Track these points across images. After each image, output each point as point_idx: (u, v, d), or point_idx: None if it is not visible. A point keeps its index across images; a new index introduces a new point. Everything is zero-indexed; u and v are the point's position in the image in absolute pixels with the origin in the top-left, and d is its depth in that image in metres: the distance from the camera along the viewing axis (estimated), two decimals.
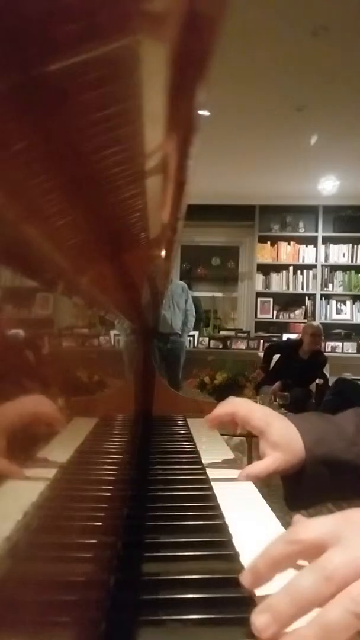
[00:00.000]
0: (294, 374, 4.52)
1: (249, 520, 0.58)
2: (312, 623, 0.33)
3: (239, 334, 6.07)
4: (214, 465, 0.79)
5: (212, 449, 0.91)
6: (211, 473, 0.74)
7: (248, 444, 3.22)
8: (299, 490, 0.70)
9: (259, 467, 0.70)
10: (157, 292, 1.07)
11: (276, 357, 4.86)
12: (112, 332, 0.96)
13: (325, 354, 5.53)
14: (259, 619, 0.34)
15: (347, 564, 0.34)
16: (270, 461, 0.69)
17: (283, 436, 0.70)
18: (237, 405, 0.76)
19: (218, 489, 0.66)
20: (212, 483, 0.69)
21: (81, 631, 0.33)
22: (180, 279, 5.58)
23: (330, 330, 5.96)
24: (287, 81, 3.47)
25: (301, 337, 4.80)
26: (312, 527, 0.38)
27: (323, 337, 4.94)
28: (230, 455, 0.86)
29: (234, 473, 0.74)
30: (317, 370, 4.78)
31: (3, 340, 0.35)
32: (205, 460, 0.81)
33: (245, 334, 6.05)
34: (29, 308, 0.43)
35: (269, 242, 6.16)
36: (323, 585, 0.33)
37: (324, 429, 0.72)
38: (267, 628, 0.33)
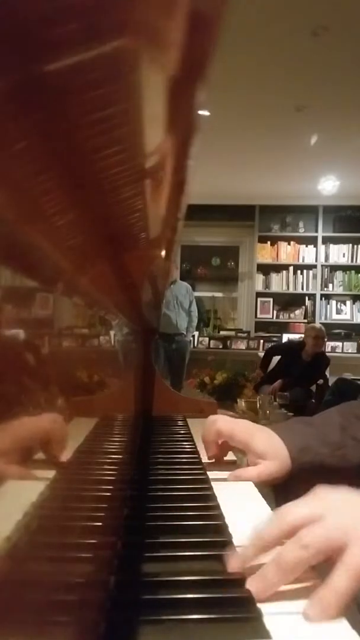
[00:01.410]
0: (296, 375, 4.51)
1: (249, 522, 0.58)
2: (270, 562, 0.41)
3: (239, 334, 6.07)
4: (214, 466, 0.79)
5: None
6: (211, 474, 0.74)
7: None
8: (287, 496, 0.71)
9: (251, 472, 0.71)
10: (157, 292, 1.07)
11: (276, 358, 4.85)
12: (112, 332, 0.96)
13: (326, 354, 5.54)
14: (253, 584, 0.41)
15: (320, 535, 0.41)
16: (262, 468, 0.71)
17: (269, 446, 0.72)
18: (217, 422, 0.76)
19: (218, 489, 0.66)
20: (212, 483, 0.69)
21: (81, 631, 0.33)
22: (180, 279, 5.59)
23: (330, 330, 5.95)
24: (287, 81, 3.47)
25: (303, 339, 4.79)
26: (296, 511, 0.44)
27: (326, 339, 4.94)
28: (230, 455, 0.86)
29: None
30: (319, 372, 4.78)
31: (3, 340, 0.35)
32: (205, 460, 0.81)
33: (245, 334, 6.05)
34: (29, 308, 0.43)
35: (269, 242, 6.16)
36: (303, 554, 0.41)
37: (308, 436, 0.73)
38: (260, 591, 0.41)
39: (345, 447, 0.72)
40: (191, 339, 5.50)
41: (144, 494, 0.64)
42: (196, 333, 5.91)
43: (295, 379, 4.48)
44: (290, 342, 5.33)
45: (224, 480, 0.72)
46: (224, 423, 0.76)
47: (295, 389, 4.44)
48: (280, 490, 0.73)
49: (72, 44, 0.17)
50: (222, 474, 0.74)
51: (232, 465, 0.80)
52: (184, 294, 5.07)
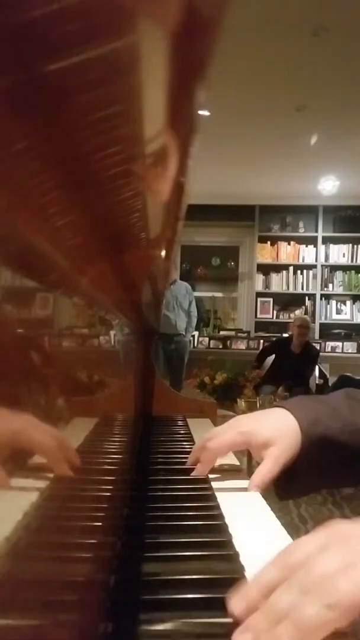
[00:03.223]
0: (290, 369, 4.57)
1: (248, 521, 0.58)
2: (287, 622, 0.32)
3: (239, 334, 6.07)
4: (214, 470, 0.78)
5: None
6: (215, 484, 0.73)
7: None
8: (292, 476, 0.66)
9: (262, 472, 0.64)
10: (157, 292, 1.07)
11: (271, 358, 4.91)
12: (112, 332, 0.96)
13: (325, 354, 5.56)
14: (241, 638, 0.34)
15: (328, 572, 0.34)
16: (270, 462, 0.64)
17: (272, 428, 0.66)
18: (207, 440, 0.69)
19: (222, 501, 0.65)
20: (217, 494, 0.68)
21: (81, 631, 0.33)
22: (180, 279, 5.59)
23: (330, 330, 5.95)
24: (287, 81, 3.47)
25: (291, 333, 4.87)
26: (301, 548, 0.38)
27: (310, 328, 5.03)
28: (230, 455, 0.85)
29: (237, 482, 0.72)
30: (311, 364, 4.85)
31: (3, 340, 0.35)
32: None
33: (245, 334, 6.05)
34: (29, 308, 0.43)
35: (269, 242, 6.15)
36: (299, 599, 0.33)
37: (318, 410, 0.68)
38: None
39: (355, 424, 0.67)
40: (190, 339, 5.50)
41: (144, 494, 0.64)
42: (196, 333, 5.91)
43: (290, 373, 4.53)
44: (278, 338, 5.37)
45: (225, 480, 0.71)
46: (215, 441, 0.68)
47: (296, 389, 4.47)
48: (283, 470, 0.65)
49: (72, 44, 0.17)
50: (226, 483, 0.70)
51: (236, 473, 0.75)
52: (184, 295, 5.07)
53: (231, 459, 0.79)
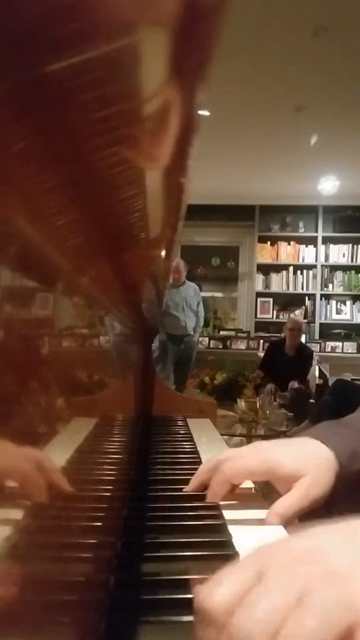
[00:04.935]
0: (285, 371, 4.62)
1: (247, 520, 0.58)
2: None
3: (239, 334, 6.07)
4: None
5: (212, 449, 0.91)
6: (227, 514, 0.66)
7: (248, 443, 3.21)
8: (328, 515, 0.56)
9: (288, 502, 0.54)
10: (157, 292, 1.07)
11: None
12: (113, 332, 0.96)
13: (325, 354, 5.57)
14: None
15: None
16: (299, 493, 0.54)
17: (302, 461, 0.56)
18: (223, 467, 0.58)
19: (238, 535, 0.58)
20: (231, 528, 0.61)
21: (81, 631, 0.33)
22: None
23: (330, 330, 5.96)
24: (287, 81, 3.47)
25: (284, 335, 4.96)
26: (220, 590, 0.29)
27: (302, 330, 5.08)
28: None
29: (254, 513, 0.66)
30: (306, 364, 4.90)
31: (3, 341, 0.35)
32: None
33: (245, 334, 6.05)
34: (29, 308, 0.43)
35: (269, 242, 6.16)
36: None
37: (352, 440, 0.61)
38: None
39: None
40: (198, 338, 5.49)
41: (144, 494, 0.64)
42: None
43: (286, 374, 4.57)
44: (272, 341, 5.40)
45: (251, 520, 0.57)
46: (232, 464, 0.58)
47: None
48: (314, 518, 0.54)
49: (72, 44, 0.17)
50: (239, 513, 0.59)
51: (250, 497, 0.63)
52: (192, 295, 5.06)
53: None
